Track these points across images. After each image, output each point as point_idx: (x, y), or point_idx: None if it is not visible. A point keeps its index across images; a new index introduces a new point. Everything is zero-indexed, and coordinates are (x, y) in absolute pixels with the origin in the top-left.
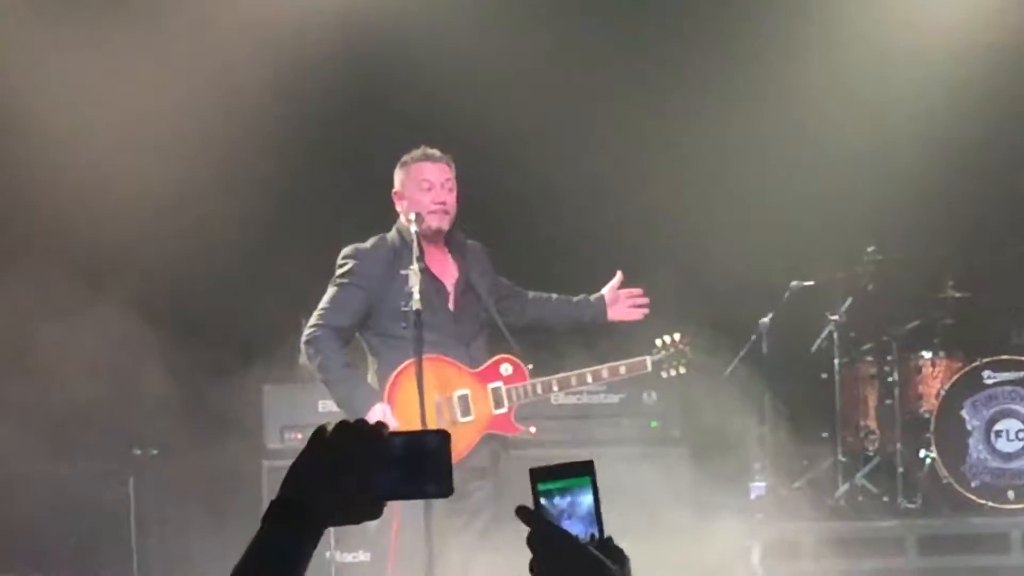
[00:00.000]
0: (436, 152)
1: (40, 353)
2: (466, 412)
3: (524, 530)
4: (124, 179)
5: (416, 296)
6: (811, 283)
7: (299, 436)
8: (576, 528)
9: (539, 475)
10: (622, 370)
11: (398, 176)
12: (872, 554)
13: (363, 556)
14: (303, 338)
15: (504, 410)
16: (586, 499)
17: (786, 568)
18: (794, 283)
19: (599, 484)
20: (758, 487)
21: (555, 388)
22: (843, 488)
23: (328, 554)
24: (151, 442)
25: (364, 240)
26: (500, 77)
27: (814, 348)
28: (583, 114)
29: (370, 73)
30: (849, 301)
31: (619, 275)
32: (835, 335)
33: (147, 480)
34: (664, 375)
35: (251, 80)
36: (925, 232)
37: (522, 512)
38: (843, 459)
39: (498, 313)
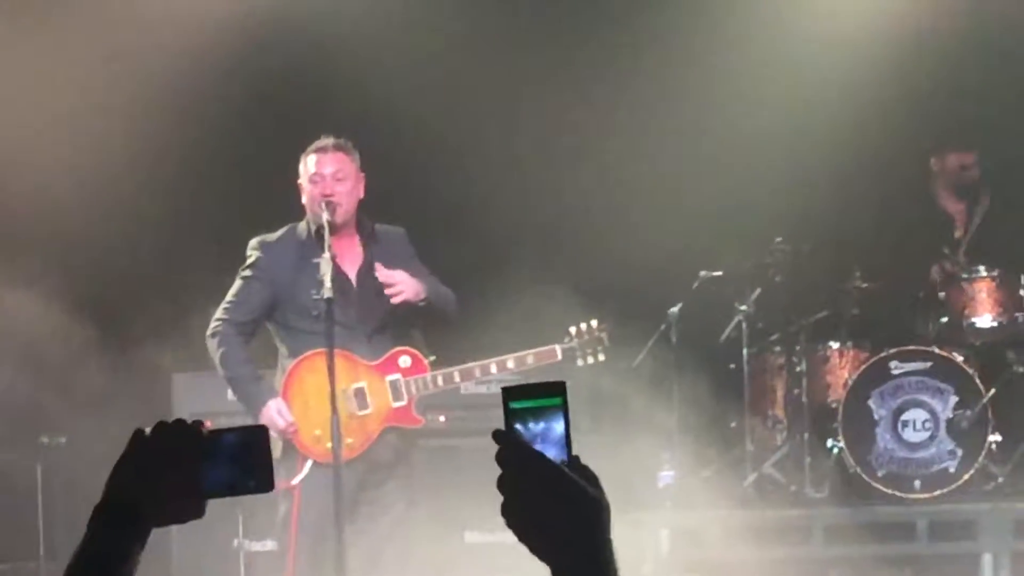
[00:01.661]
0: (329, 141)
1: None
2: (363, 405)
3: (443, 518)
4: (33, 164)
5: (328, 284)
6: (720, 273)
7: (208, 424)
8: (549, 452)
9: (511, 393)
10: (529, 360)
11: (300, 166)
12: (780, 542)
13: (271, 545)
14: (208, 332)
15: (403, 403)
16: (558, 423)
17: (694, 556)
18: (703, 273)
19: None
20: (667, 476)
21: (457, 379)
22: (751, 477)
23: (236, 542)
24: (59, 430)
25: (276, 229)
26: (420, 62)
27: (723, 338)
28: (499, 101)
29: (295, 59)
30: (757, 291)
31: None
32: (744, 325)
33: (54, 469)
34: (580, 363)
35: (166, 65)
36: (832, 223)
37: (497, 434)
38: (751, 448)
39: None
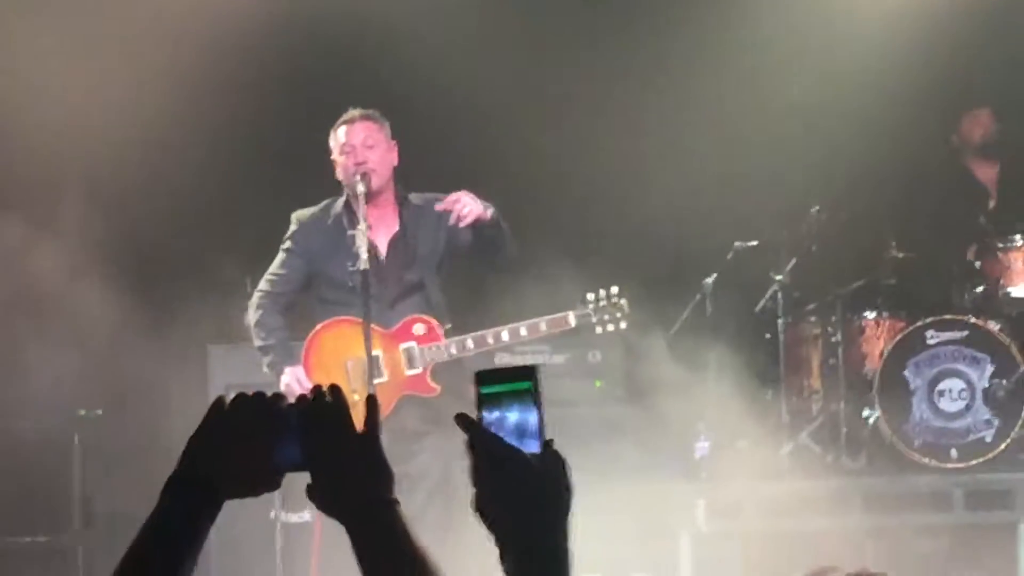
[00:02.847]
0: (356, 112)
1: None
2: (378, 374)
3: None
4: (72, 138)
5: (364, 256)
6: (755, 243)
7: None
8: (519, 437)
9: (483, 378)
10: (542, 327)
11: (331, 140)
12: (816, 513)
13: (308, 516)
14: (249, 301)
15: (418, 370)
16: (529, 407)
17: (730, 527)
18: (738, 243)
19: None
20: (702, 447)
21: (470, 346)
22: (787, 447)
23: (273, 514)
24: (95, 403)
25: (318, 202)
26: (457, 50)
27: (758, 308)
28: (534, 79)
29: (341, 39)
30: (793, 261)
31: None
32: (779, 295)
33: (91, 441)
34: (599, 330)
35: (206, 38)
36: (868, 193)
37: (461, 419)
38: (787, 419)
39: (442, 276)
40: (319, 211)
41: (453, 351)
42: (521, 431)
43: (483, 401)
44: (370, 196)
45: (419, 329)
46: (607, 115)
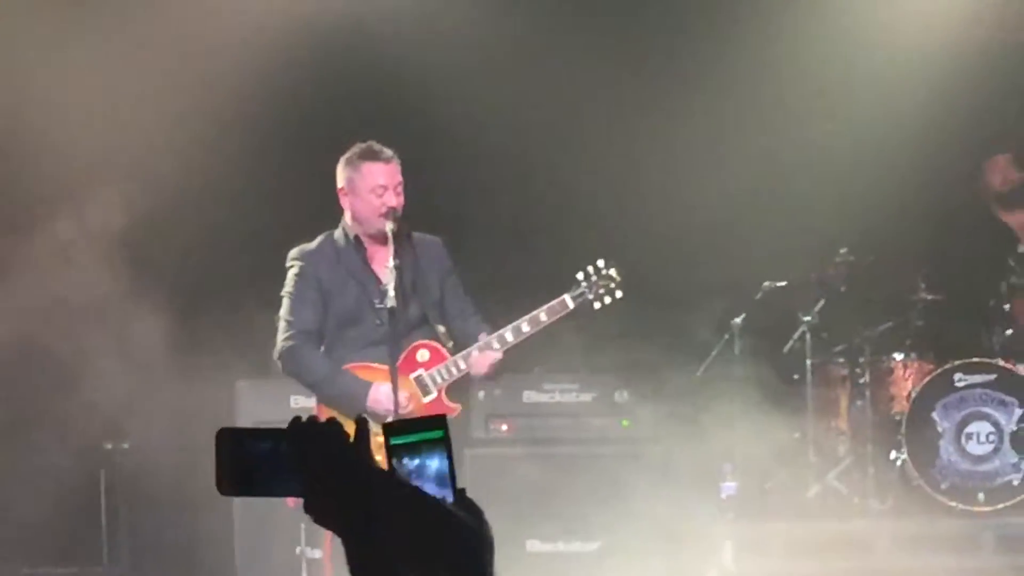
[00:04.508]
0: (387, 151)
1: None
2: (399, 409)
3: (504, 527)
4: (100, 169)
5: (391, 294)
6: (784, 284)
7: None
8: (430, 486)
9: (392, 429)
10: (543, 317)
11: (345, 173)
12: (843, 555)
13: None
14: (276, 355)
15: (434, 395)
16: (440, 456)
17: (758, 568)
18: (767, 283)
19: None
20: (730, 487)
21: (476, 356)
22: (814, 488)
23: (299, 550)
24: (122, 436)
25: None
26: (484, 72)
27: (786, 349)
28: (561, 113)
29: (348, 62)
30: (822, 302)
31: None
32: (807, 336)
33: (118, 474)
34: (598, 305)
35: (231, 66)
36: (897, 235)
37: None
38: (814, 459)
39: (439, 313)
40: (322, 246)
41: (462, 365)
42: (440, 479)
43: (392, 451)
44: (380, 236)
45: (423, 355)
46: (637, 156)
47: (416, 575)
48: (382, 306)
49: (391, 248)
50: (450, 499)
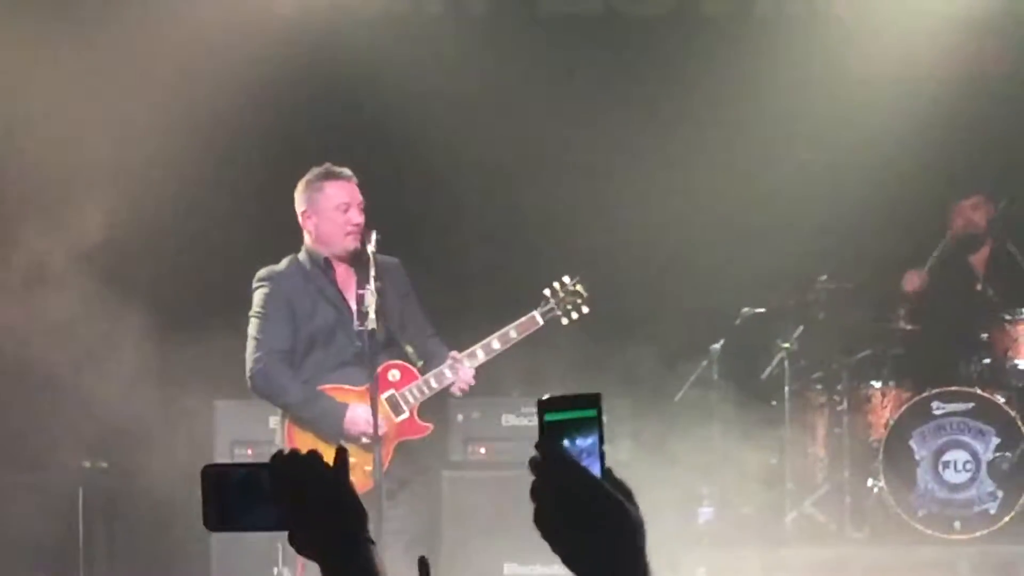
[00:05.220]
0: (347, 171)
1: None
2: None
3: (482, 550)
4: (80, 186)
5: (372, 315)
6: (763, 310)
7: (249, 451)
8: (583, 464)
9: (548, 405)
10: (512, 334)
11: (306, 194)
12: None
13: (312, 574)
14: (248, 374)
15: (406, 415)
16: (592, 435)
17: None
18: (745, 309)
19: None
20: (706, 512)
21: (448, 375)
22: (791, 515)
23: (276, 571)
24: (101, 455)
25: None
26: (476, 98)
27: (765, 375)
28: (538, 136)
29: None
30: (800, 329)
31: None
32: (786, 362)
33: (96, 493)
34: (565, 321)
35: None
36: (876, 262)
37: (541, 444)
38: (791, 486)
39: (401, 333)
40: (289, 267)
41: (433, 384)
42: (585, 455)
43: (547, 427)
44: (347, 256)
45: (394, 375)
46: (615, 178)
47: (570, 552)
48: (362, 327)
49: (372, 269)
50: (600, 473)
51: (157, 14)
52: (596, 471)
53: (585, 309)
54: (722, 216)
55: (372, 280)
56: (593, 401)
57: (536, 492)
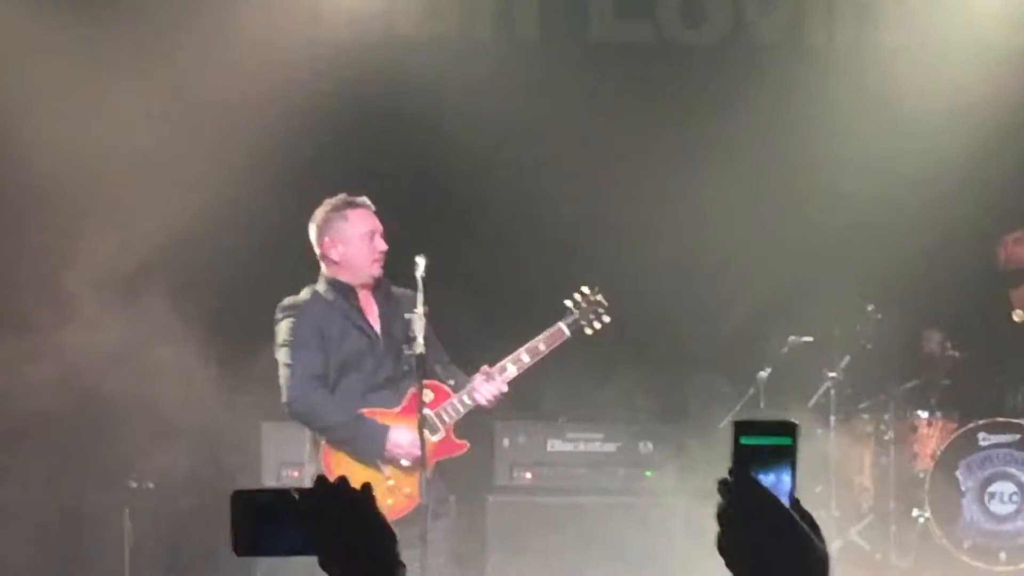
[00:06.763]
0: (366, 199)
1: (31, 372)
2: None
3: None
4: (117, 206)
5: (420, 340)
6: (810, 339)
7: (296, 473)
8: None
9: (743, 428)
10: (541, 347)
11: (330, 223)
12: None
13: None
14: (285, 400)
15: (442, 434)
16: (786, 464)
17: None
18: (793, 338)
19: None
20: None
21: (481, 391)
22: (836, 544)
23: None
24: (147, 475)
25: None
26: (527, 124)
27: (811, 403)
28: (589, 162)
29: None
30: (847, 359)
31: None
32: (832, 391)
33: (142, 513)
34: (589, 331)
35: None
36: (925, 292)
37: (734, 471)
38: (837, 514)
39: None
40: (311, 298)
41: (467, 400)
42: (777, 484)
43: (741, 451)
44: (369, 284)
45: (428, 395)
46: (665, 205)
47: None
48: (410, 352)
49: (421, 294)
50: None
51: (208, 43)
52: (785, 500)
53: (607, 318)
54: (772, 244)
55: (420, 304)
56: (789, 429)
57: (723, 516)
